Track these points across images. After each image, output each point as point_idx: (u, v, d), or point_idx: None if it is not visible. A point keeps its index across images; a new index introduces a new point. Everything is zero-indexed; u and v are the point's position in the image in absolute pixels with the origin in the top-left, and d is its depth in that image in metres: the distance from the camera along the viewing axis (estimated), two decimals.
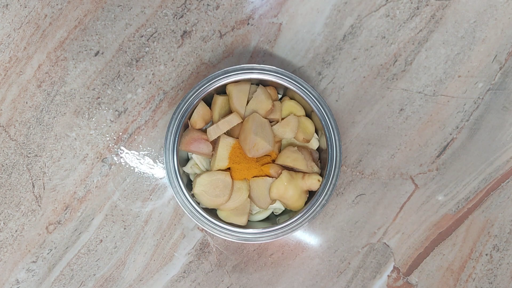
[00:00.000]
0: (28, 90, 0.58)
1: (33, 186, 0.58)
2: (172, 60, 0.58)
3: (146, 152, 0.58)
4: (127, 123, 0.58)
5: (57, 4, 0.58)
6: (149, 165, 0.58)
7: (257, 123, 0.51)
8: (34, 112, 0.58)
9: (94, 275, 0.58)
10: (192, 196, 0.52)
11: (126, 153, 0.58)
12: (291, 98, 0.55)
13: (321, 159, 0.55)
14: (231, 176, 0.51)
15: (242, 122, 0.51)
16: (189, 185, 0.53)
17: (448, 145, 0.59)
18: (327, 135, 0.52)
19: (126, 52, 0.58)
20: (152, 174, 0.58)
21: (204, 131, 0.53)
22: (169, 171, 0.51)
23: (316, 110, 0.52)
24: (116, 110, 0.58)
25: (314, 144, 0.55)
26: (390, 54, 0.59)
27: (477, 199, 0.59)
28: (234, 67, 0.52)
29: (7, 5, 0.58)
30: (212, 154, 0.52)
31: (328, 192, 0.51)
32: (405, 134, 0.59)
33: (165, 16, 0.58)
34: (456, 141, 0.59)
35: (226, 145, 0.51)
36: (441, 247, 0.58)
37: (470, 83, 0.59)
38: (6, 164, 0.58)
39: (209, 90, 0.52)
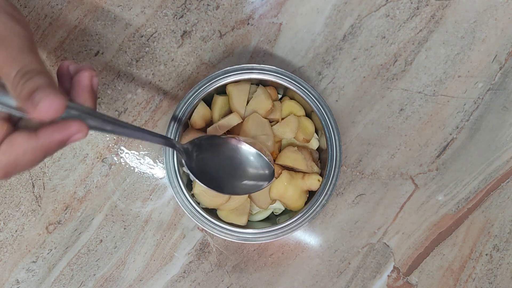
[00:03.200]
0: None
1: (33, 186, 0.58)
2: (172, 60, 0.58)
3: (146, 152, 0.58)
4: None
5: (57, 4, 0.58)
6: (149, 165, 0.58)
7: (257, 123, 0.51)
8: None
9: (94, 275, 0.58)
10: (192, 196, 0.52)
11: (126, 153, 0.58)
12: (291, 98, 0.55)
13: (321, 159, 0.55)
14: None
15: (242, 122, 0.51)
16: (189, 185, 0.53)
17: (448, 145, 0.59)
18: (327, 135, 0.52)
19: (126, 52, 0.58)
20: (152, 174, 0.58)
21: (204, 131, 0.53)
22: (169, 171, 0.51)
23: (316, 110, 0.52)
24: (116, 110, 0.58)
25: (314, 144, 0.55)
26: (390, 54, 0.59)
27: (477, 199, 0.59)
28: (234, 67, 0.52)
29: None
30: None
31: (328, 192, 0.51)
32: (405, 134, 0.59)
33: (165, 16, 0.58)
34: (456, 141, 0.59)
35: None
36: (441, 247, 0.58)
37: (470, 83, 0.59)
38: None
39: (209, 90, 0.52)
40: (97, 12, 0.58)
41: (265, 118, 0.52)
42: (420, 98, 0.59)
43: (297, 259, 0.58)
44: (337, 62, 0.59)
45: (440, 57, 0.59)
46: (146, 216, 0.58)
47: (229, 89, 0.52)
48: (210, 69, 0.58)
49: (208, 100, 0.54)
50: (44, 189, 0.58)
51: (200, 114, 0.52)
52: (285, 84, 0.52)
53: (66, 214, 0.58)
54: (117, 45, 0.58)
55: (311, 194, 0.53)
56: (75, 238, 0.58)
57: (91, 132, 0.57)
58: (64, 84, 0.34)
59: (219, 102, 0.53)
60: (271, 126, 0.52)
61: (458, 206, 0.59)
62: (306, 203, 0.52)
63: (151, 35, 0.58)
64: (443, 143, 0.59)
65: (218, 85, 0.52)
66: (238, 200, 0.52)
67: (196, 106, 0.52)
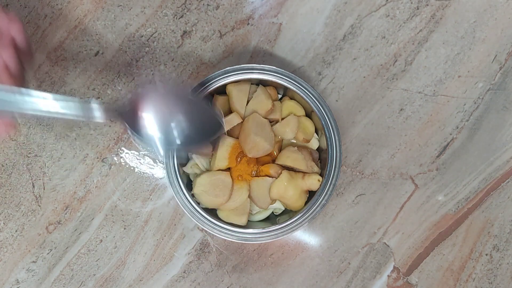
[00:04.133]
0: None
1: (33, 186, 0.58)
2: (172, 60, 0.58)
3: (146, 152, 0.58)
4: None
5: (57, 4, 0.58)
6: (149, 165, 0.58)
7: (257, 123, 0.51)
8: None
9: (94, 275, 0.58)
10: (192, 196, 0.52)
11: (126, 153, 0.58)
12: (291, 98, 0.55)
13: (321, 159, 0.55)
14: (231, 176, 0.51)
15: (242, 122, 0.51)
16: (189, 185, 0.53)
17: (448, 145, 0.59)
18: (327, 135, 0.52)
19: (126, 52, 0.58)
20: (152, 174, 0.58)
21: None
22: (169, 171, 0.51)
23: (316, 110, 0.52)
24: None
25: (314, 144, 0.55)
26: (390, 54, 0.59)
27: (477, 199, 0.59)
28: (234, 67, 0.52)
29: (7, 5, 0.58)
30: (212, 154, 0.52)
31: (328, 192, 0.51)
32: (405, 134, 0.59)
33: (165, 16, 0.58)
34: (456, 141, 0.59)
35: (226, 145, 0.51)
36: (441, 247, 0.58)
37: (470, 83, 0.59)
38: (6, 164, 0.58)
39: (209, 90, 0.52)
40: (97, 12, 0.58)
41: (265, 118, 0.52)
42: (420, 98, 0.59)
43: (297, 259, 0.58)
44: (337, 62, 0.59)
45: (440, 57, 0.59)
46: (146, 216, 0.58)
47: (229, 89, 0.52)
48: (210, 69, 0.58)
49: (208, 100, 0.54)
50: (44, 189, 0.58)
51: None
52: (285, 84, 0.52)
53: (66, 214, 0.58)
54: (117, 45, 0.58)
55: (311, 194, 0.53)
56: (75, 238, 0.58)
57: (91, 132, 0.57)
58: None
59: (219, 102, 0.53)
60: (271, 126, 0.52)
61: (458, 206, 0.59)
62: (306, 203, 0.52)
63: (151, 35, 0.58)
64: (443, 143, 0.59)
65: (218, 85, 0.52)
66: (238, 200, 0.52)
67: None
